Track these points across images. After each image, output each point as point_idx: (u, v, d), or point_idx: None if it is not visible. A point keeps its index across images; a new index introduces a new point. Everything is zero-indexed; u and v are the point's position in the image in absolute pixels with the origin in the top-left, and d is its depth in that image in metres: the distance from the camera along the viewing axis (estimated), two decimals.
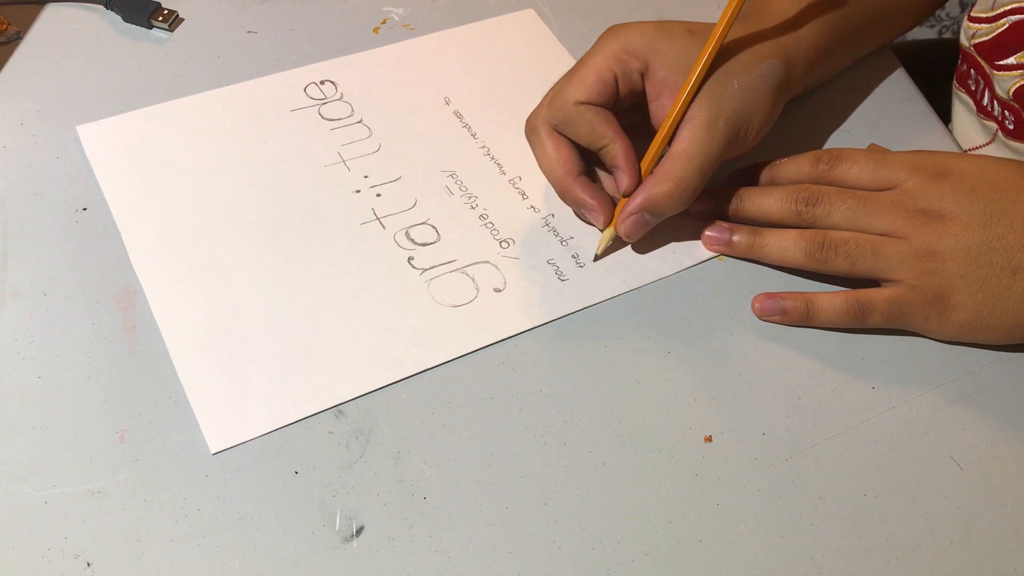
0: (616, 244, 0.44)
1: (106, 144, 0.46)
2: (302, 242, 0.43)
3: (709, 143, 0.41)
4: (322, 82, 0.51)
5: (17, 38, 0.52)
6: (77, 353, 0.39)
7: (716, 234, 0.44)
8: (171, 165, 0.46)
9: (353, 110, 0.49)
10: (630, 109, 0.44)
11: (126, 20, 0.53)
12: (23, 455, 0.36)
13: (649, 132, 0.43)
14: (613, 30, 0.43)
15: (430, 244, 0.44)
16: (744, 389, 0.40)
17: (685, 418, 0.39)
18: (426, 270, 0.43)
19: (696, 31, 0.43)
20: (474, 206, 0.45)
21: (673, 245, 0.44)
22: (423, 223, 0.44)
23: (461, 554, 0.34)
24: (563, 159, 0.42)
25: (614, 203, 0.43)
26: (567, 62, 0.53)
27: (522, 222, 0.45)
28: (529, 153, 0.45)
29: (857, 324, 0.41)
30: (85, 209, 0.44)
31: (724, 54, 0.42)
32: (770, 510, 0.36)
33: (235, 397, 0.38)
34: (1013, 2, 0.48)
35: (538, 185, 0.47)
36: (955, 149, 0.51)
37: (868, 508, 0.37)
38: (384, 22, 0.55)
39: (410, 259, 0.43)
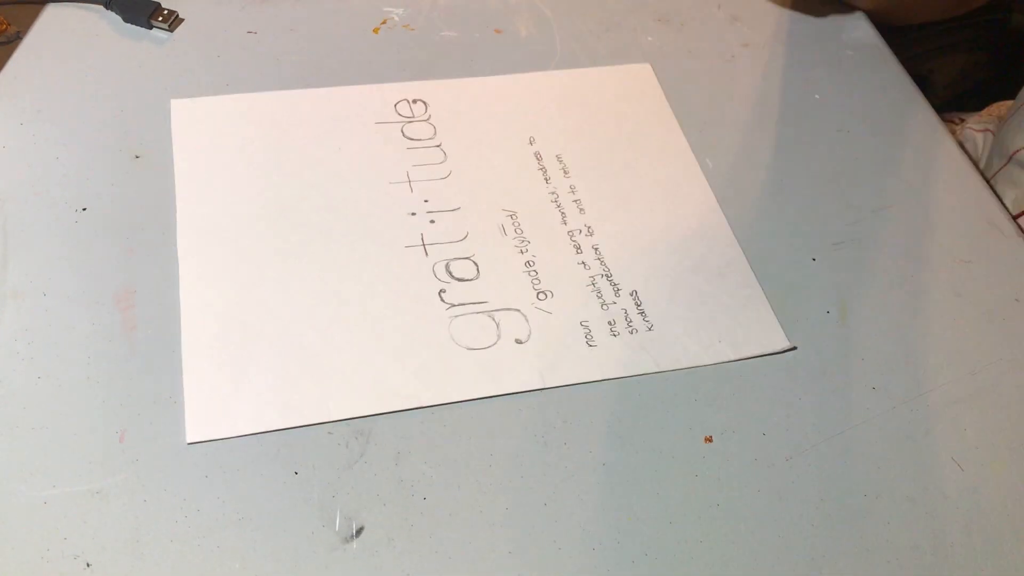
0: None
1: (192, 121, 0.47)
2: (342, 253, 0.43)
3: None
4: (414, 101, 0.50)
5: (17, 38, 0.52)
6: (77, 353, 0.39)
7: None
8: (245, 154, 0.46)
9: (436, 133, 0.49)
10: None
11: (126, 20, 0.53)
12: (23, 455, 0.36)
13: None
14: None
15: (467, 280, 0.42)
16: (744, 389, 0.40)
17: (685, 418, 0.39)
18: (453, 306, 0.41)
19: None
20: (524, 250, 0.44)
21: (720, 334, 0.41)
22: (466, 258, 0.43)
23: (461, 554, 0.34)
24: None
25: None
26: (670, 122, 0.51)
27: (567, 276, 0.43)
28: (596, 212, 0.44)
29: None
30: (85, 209, 0.44)
31: None
32: (770, 510, 0.36)
33: (227, 393, 0.37)
34: None
35: (597, 242, 0.45)
36: (953, 146, 0.51)
37: (868, 508, 0.37)
38: (384, 22, 0.55)
39: (441, 291, 0.42)
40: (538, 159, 0.48)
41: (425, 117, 0.50)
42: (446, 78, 0.52)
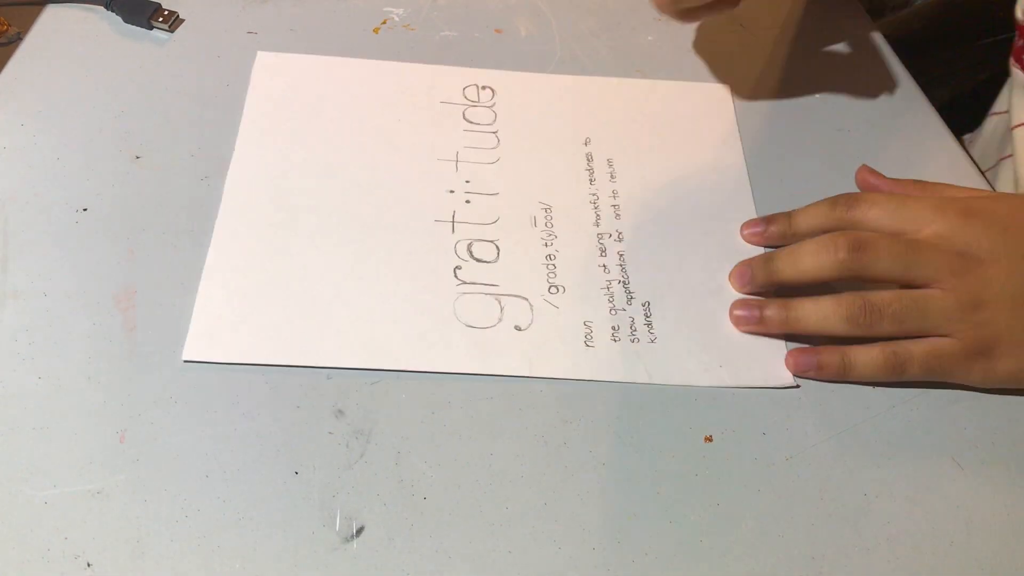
0: None
1: (270, 75, 0.51)
2: (372, 215, 0.44)
3: None
4: (483, 87, 0.52)
5: (17, 39, 0.52)
6: (77, 353, 0.39)
7: (745, 312, 0.41)
8: (311, 113, 0.49)
9: (495, 119, 0.50)
10: None
11: (126, 21, 0.53)
12: (23, 455, 0.36)
13: None
14: None
15: (484, 262, 0.43)
16: (744, 389, 0.40)
17: (685, 418, 0.39)
18: (465, 283, 0.42)
19: None
20: (548, 244, 0.44)
21: (723, 359, 0.41)
22: (490, 241, 0.44)
23: (461, 554, 0.34)
24: None
25: None
26: (735, 147, 0.50)
27: (585, 275, 0.43)
28: (633, 220, 0.45)
29: (895, 378, 0.39)
30: (85, 209, 0.44)
31: None
32: (770, 510, 0.36)
33: (232, 321, 0.40)
34: None
35: (624, 248, 0.44)
36: (954, 145, 0.51)
37: (868, 508, 0.37)
38: (384, 22, 0.55)
39: (457, 268, 0.43)
40: (588, 160, 0.49)
41: (490, 104, 0.51)
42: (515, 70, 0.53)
